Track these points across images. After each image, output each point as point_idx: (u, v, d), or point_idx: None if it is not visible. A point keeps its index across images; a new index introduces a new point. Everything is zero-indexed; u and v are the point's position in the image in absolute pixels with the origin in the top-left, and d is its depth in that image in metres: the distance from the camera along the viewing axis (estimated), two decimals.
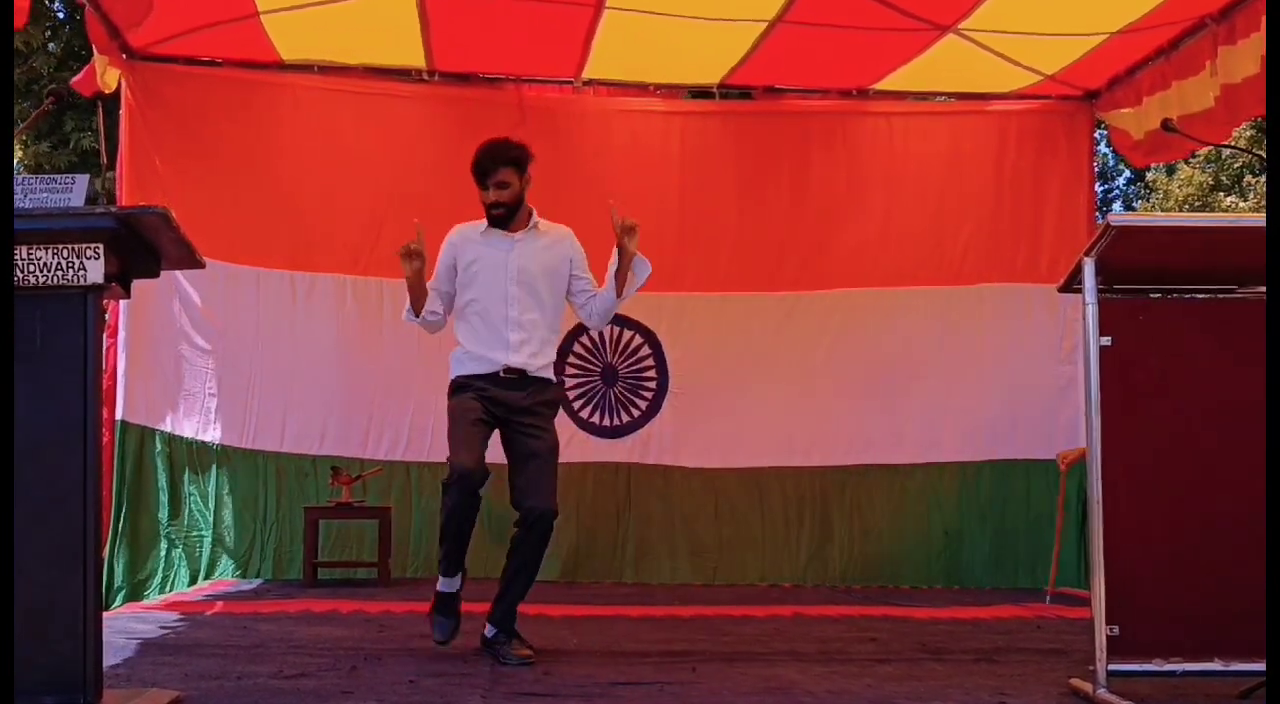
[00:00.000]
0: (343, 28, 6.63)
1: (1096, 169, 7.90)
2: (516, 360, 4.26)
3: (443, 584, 4.26)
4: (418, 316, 4.40)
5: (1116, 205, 24.09)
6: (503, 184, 4.31)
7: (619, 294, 4.42)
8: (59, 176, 3.07)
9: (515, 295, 4.30)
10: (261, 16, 6.43)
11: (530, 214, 4.42)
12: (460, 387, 4.29)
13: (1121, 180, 24.28)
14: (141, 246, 3.19)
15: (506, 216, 4.34)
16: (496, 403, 4.22)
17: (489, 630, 4.20)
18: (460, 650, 4.27)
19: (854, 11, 6.19)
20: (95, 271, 2.98)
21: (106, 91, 6.60)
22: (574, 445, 7.18)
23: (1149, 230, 3.51)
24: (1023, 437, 7.32)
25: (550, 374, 4.38)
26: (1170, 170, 19.97)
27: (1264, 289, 3.55)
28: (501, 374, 4.24)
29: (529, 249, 4.37)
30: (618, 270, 4.40)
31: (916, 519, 7.26)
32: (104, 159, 3.84)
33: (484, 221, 4.39)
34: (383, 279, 7.16)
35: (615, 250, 4.40)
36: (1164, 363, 3.51)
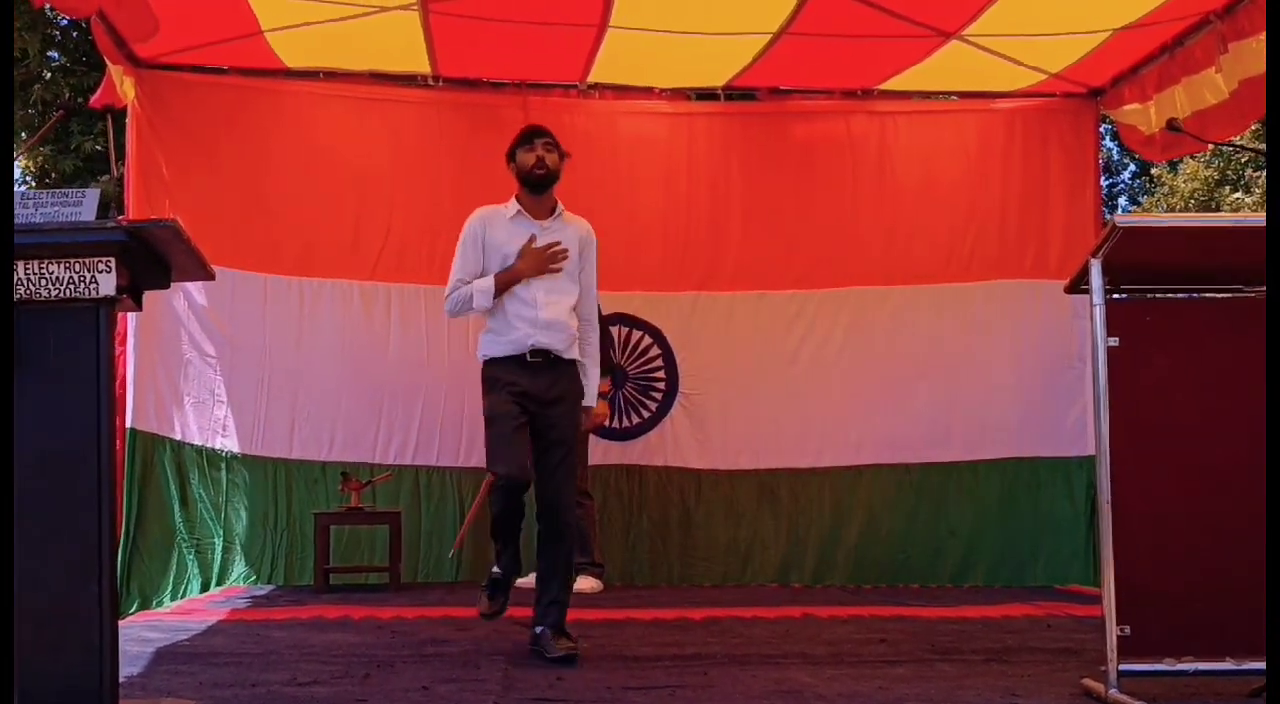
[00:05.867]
0: (346, 45, 6.67)
1: (1101, 164, 7.89)
2: (544, 340, 4.32)
3: (495, 569, 4.49)
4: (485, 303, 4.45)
5: (1122, 200, 24.06)
6: (551, 146, 4.43)
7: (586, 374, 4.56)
8: (69, 191, 3.09)
9: (542, 282, 4.35)
10: (265, 34, 6.48)
11: (556, 204, 4.49)
12: (493, 382, 4.36)
13: (1126, 175, 24.27)
14: (152, 259, 3.20)
15: (547, 179, 4.41)
16: (528, 396, 4.30)
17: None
18: (473, 656, 4.30)
19: (858, 21, 6.20)
20: (107, 284, 2.99)
21: (127, 101, 6.65)
22: None
23: (1155, 231, 3.51)
24: (1032, 435, 7.31)
25: (576, 355, 4.44)
26: (1174, 166, 19.95)
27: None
28: (528, 357, 4.31)
29: (556, 235, 4.41)
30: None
31: (926, 519, 7.25)
32: (113, 168, 3.86)
33: (508, 206, 4.46)
34: (390, 284, 7.21)
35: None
36: (1172, 363, 3.51)
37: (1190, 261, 3.59)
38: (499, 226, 4.43)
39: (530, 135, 4.46)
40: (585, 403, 4.53)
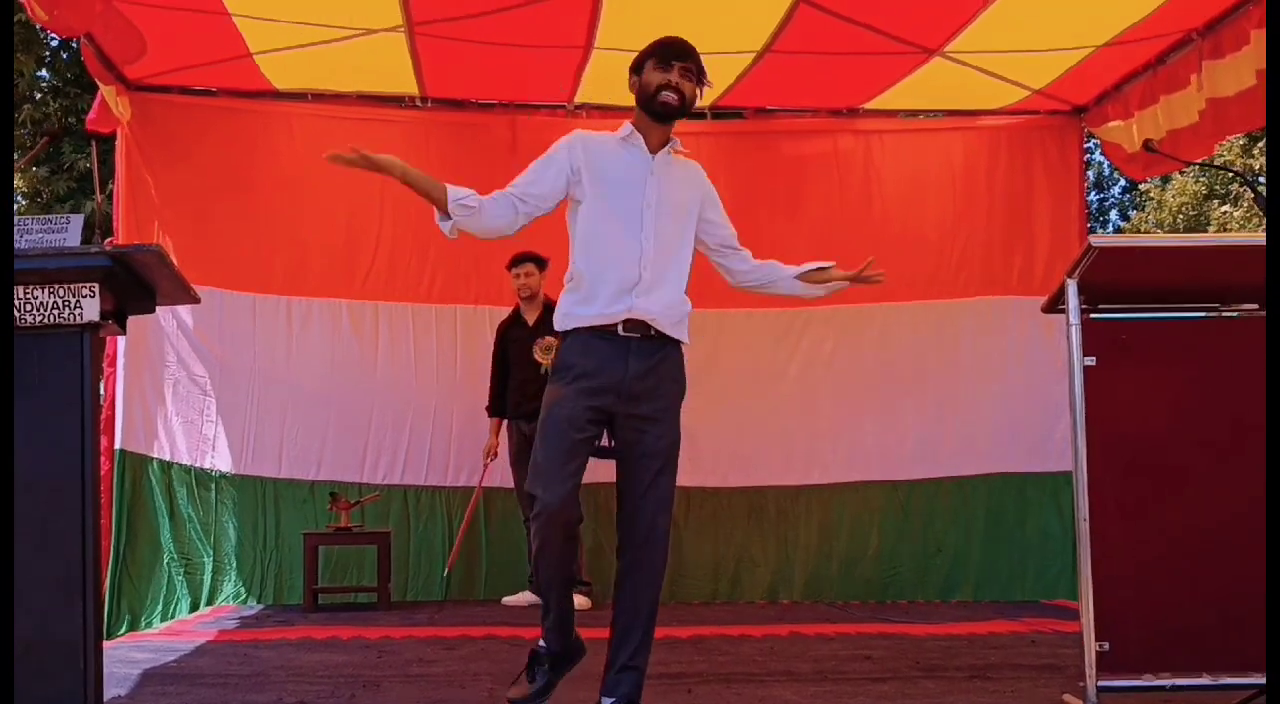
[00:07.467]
0: (334, 67, 6.71)
1: (1092, 179, 7.98)
2: (643, 306, 3.34)
3: (543, 641, 3.69)
4: (447, 215, 3.37)
5: (1112, 214, 24.17)
6: (690, 72, 3.44)
7: (800, 289, 3.75)
8: (54, 216, 3.12)
9: (652, 228, 3.40)
10: (254, 57, 6.52)
11: (672, 138, 3.53)
12: (564, 369, 3.40)
13: (1117, 189, 24.38)
14: (137, 284, 3.23)
15: (676, 112, 3.42)
16: (609, 391, 3.38)
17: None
18: (458, 677, 4.31)
19: (841, 38, 6.25)
20: (91, 310, 3.02)
21: (123, 122, 6.69)
22: None
23: (1131, 251, 3.56)
24: (1020, 451, 7.34)
25: (684, 334, 3.48)
26: (1164, 180, 20.06)
27: (1248, 307, 3.61)
28: (621, 329, 3.34)
29: (669, 175, 3.48)
30: (817, 272, 3.73)
31: (914, 535, 7.28)
32: (98, 189, 3.89)
33: (619, 130, 3.51)
34: (378, 303, 7.25)
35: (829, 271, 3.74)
36: (1149, 382, 3.54)
37: (1168, 281, 3.62)
38: (602, 152, 3.46)
39: (668, 53, 3.42)
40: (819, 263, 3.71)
